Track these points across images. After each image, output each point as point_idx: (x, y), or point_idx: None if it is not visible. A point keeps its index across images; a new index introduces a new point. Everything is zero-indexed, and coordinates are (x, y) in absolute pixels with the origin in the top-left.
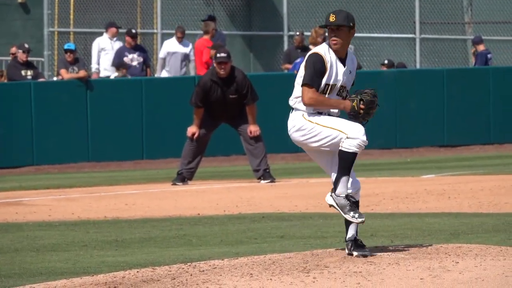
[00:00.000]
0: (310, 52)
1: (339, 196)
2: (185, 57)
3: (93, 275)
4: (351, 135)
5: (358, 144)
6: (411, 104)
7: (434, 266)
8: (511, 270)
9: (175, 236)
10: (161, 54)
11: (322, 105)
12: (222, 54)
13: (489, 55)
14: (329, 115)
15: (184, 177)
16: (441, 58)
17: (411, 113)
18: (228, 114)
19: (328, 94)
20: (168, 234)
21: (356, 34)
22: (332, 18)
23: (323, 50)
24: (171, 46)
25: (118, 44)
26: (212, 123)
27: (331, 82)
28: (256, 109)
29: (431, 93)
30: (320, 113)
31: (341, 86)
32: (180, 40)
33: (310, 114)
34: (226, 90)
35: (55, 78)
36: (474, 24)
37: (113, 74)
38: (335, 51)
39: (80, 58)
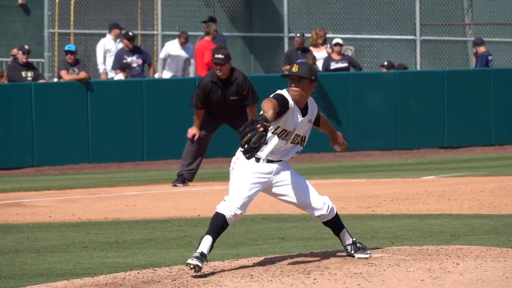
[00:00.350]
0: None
1: (195, 254)
2: (186, 61)
3: (93, 276)
4: (228, 198)
5: (228, 208)
6: (411, 105)
7: (435, 268)
8: (511, 271)
9: (175, 237)
10: (162, 54)
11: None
12: (219, 56)
13: (489, 57)
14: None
15: (184, 178)
16: (442, 60)
17: (412, 114)
18: (228, 116)
19: (285, 139)
20: (169, 236)
21: (356, 36)
22: (295, 69)
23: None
24: (173, 49)
25: (121, 45)
26: (212, 124)
27: (289, 129)
28: (257, 110)
29: (431, 95)
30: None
31: (297, 134)
32: (183, 44)
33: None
34: (226, 91)
35: (55, 80)
36: (474, 26)
37: (117, 76)
38: (295, 101)
39: (81, 59)
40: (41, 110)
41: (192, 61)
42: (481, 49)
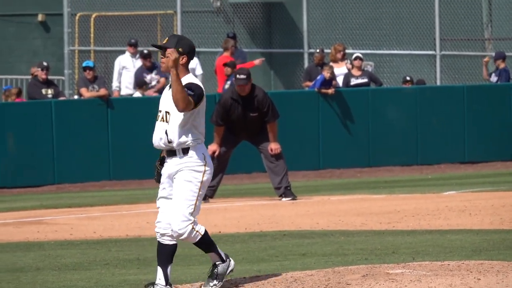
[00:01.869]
0: None
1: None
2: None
3: None
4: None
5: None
6: (432, 120)
7: (456, 283)
8: None
9: (196, 254)
10: None
11: None
12: (242, 76)
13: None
14: None
15: (205, 195)
16: (461, 75)
17: (432, 129)
18: (248, 132)
19: (160, 120)
20: (190, 252)
21: (376, 51)
22: (165, 40)
23: None
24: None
25: (139, 62)
26: (232, 141)
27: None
28: (277, 126)
29: (451, 110)
30: None
31: (166, 111)
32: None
33: None
34: (246, 108)
35: (76, 97)
36: (494, 41)
37: (136, 93)
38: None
39: (100, 76)
40: (62, 127)
41: (200, 72)
42: (502, 64)
